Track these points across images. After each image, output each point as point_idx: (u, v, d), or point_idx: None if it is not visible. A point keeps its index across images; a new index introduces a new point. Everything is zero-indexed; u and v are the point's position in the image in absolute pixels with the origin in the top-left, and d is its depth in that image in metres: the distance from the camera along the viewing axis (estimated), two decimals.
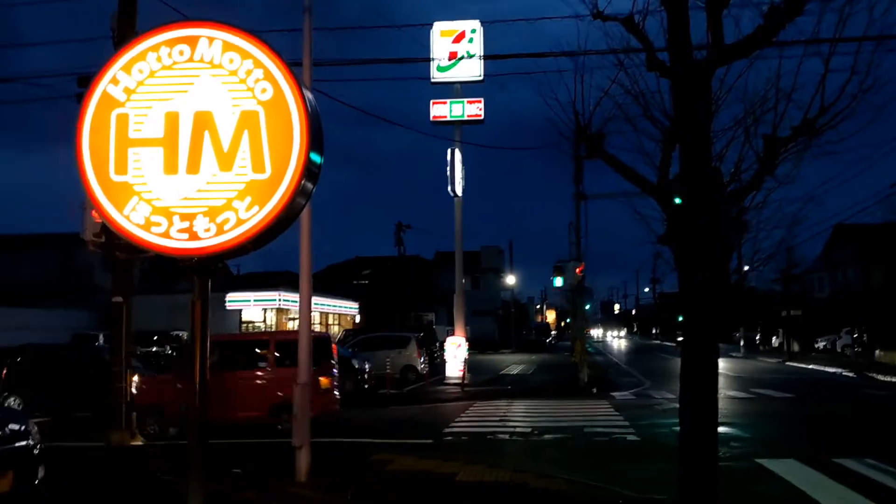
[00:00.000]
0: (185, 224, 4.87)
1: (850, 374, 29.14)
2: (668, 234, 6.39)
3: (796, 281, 52.39)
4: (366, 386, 21.39)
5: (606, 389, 22.88)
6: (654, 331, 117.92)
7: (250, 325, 41.34)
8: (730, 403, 17.72)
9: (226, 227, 4.85)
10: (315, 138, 4.83)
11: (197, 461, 4.93)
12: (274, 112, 4.81)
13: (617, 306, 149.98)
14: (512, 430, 13.55)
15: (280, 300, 40.20)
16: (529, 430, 13.44)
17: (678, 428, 12.33)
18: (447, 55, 26.35)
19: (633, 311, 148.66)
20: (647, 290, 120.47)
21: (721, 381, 23.73)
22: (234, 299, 40.66)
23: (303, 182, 4.82)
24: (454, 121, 25.99)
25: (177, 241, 4.88)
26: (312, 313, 37.30)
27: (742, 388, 22.32)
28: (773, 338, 56.02)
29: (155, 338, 38.48)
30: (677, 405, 16.22)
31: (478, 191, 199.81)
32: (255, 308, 40.79)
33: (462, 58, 26.27)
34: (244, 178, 4.84)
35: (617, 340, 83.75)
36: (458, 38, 26.42)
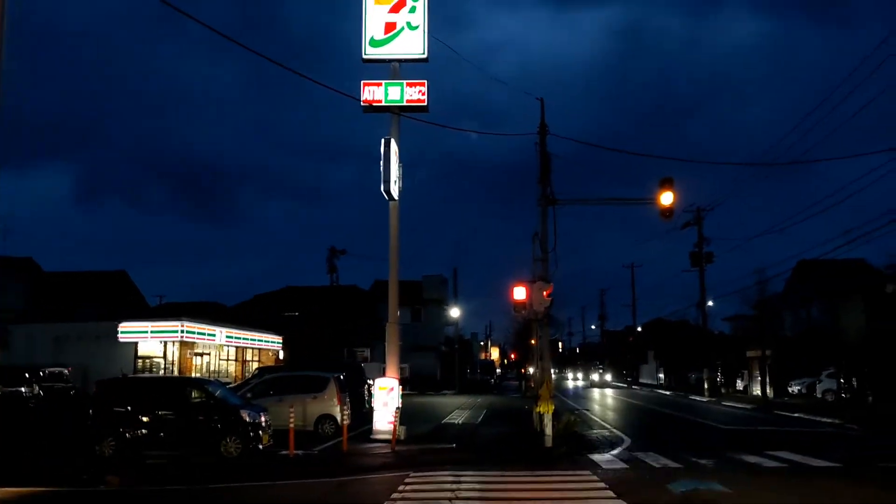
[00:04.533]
0: None
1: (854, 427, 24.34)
2: None
3: (757, 319, 48.43)
4: (259, 446, 15.69)
5: (580, 449, 17.61)
6: (599, 369, 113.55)
7: (148, 360, 34.95)
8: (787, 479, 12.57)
9: None
10: None
11: None
12: None
13: (560, 344, 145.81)
14: None
15: (183, 331, 33.92)
16: None
17: None
18: (383, 27, 21.20)
19: (577, 350, 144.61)
20: (593, 327, 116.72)
21: (721, 435, 18.52)
22: (128, 330, 34.29)
23: None
24: (390, 106, 20.69)
25: None
26: (227, 347, 30.91)
27: (754, 449, 17.24)
28: (738, 380, 51.68)
29: (26, 374, 31.77)
30: (691, 482, 10.77)
31: (421, 219, 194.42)
32: (153, 340, 34.42)
33: (401, 30, 21.14)
34: None
35: (597, 389, 71.99)
36: (398, 5, 21.26)
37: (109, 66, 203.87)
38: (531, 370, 55.12)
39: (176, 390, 16.65)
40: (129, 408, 15.86)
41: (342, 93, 19.02)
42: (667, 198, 18.40)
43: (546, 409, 17.90)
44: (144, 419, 15.77)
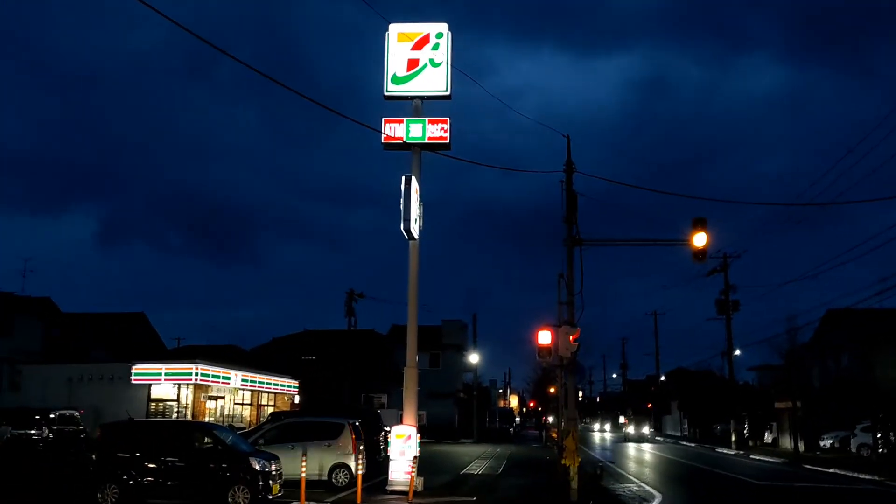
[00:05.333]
0: None
1: None
2: None
3: (785, 369, 46.98)
4: (269, 496, 14.82)
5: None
6: (620, 419, 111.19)
7: (161, 403, 34.18)
8: None
9: None
10: None
11: None
12: None
13: (581, 393, 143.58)
14: None
15: (197, 374, 33.22)
16: None
17: None
18: (405, 64, 20.82)
19: (598, 399, 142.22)
20: (614, 375, 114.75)
21: (757, 492, 17.36)
22: (140, 372, 33.61)
23: None
24: (412, 143, 20.19)
25: None
26: (242, 391, 30.12)
27: None
28: (766, 433, 49.98)
29: (36, 417, 31.12)
30: None
31: (441, 264, 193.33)
32: (166, 383, 33.72)
33: (424, 67, 20.73)
34: None
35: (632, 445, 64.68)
36: (420, 43, 20.89)
37: (134, 112, 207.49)
38: (551, 419, 53.72)
39: (183, 436, 15.87)
40: (134, 453, 15.10)
41: (366, 125, 18.52)
42: (700, 239, 17.62)
43: (571, 462, 16.93)
44: (150, 465, 14.99)
